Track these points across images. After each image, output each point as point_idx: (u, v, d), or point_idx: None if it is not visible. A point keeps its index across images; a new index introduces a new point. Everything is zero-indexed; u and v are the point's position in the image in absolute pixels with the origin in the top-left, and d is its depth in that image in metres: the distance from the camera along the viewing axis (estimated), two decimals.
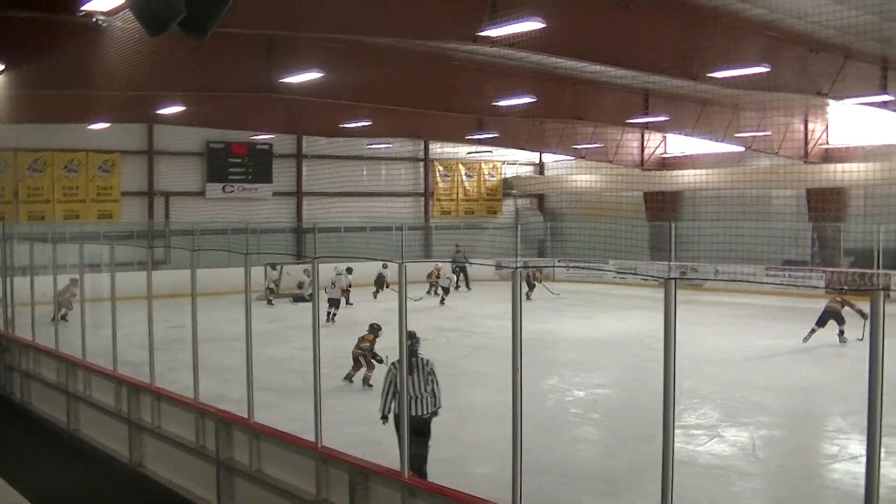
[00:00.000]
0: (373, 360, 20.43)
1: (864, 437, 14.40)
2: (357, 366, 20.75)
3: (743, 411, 18.54)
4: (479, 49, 28.12)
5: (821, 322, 27.29)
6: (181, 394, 15.52)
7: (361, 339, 20.83)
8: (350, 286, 35.77)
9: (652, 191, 51.17)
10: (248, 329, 13.46)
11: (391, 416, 12.95)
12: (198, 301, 14.62)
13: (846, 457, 15.08)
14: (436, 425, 13.26)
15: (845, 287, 36.16)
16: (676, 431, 16.04)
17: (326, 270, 33.31)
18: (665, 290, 7.96)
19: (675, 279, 7.86)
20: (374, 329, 20.79)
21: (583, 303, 39.61)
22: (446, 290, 39.58)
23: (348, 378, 20.76)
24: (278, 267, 40.18)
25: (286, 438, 12.77)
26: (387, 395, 13.07)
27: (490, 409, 17.22)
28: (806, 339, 26.98)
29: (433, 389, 13.07)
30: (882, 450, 14.71)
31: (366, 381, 20.57)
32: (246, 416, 13.39)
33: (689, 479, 13.62)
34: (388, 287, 39.24)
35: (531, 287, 40.80)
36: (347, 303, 35.46)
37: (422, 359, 13.06)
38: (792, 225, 44.02)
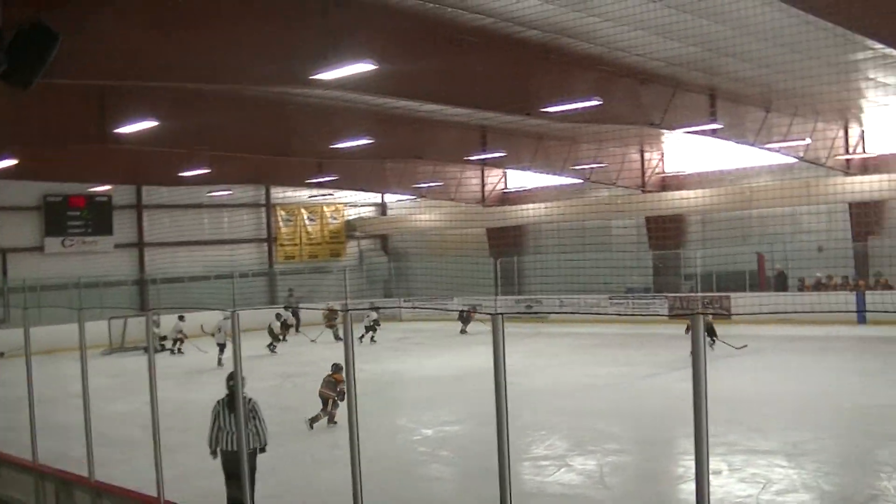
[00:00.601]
0: (337, 400, 20.40)
1: (704, 458, 14.70)
2: (325, 406, 20.68)
3: (590, 440, 18.67)
4: (313, 92, 28.08)
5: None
6: (19, 456, 15.09)
7: (329, 380, 20.79)
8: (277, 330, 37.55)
9: (495, 227, 51.67)
10: (84, 384, 13.18)
11: (219, 453, 13.17)
12: (42, 358, 14.32)
13: (691, 478, 15.24)
14: (286, 471, 13.13)
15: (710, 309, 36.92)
16: (525, 464, 16.22)
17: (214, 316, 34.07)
18: (493, 326, 8.03)
19: (501, 314, 7.92)
20: (340, 368, 20.75)
21: (429, 341, 39.66)
22: (372, 328, 39.25)
23: (313, 420, 20.52)
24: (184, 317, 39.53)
25: (128, 495, 12.52)
26: (211, 430, 13.26)
27: (340, 453, 17.09)
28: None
29: (255, 426, 13.16)
30: (726, 466, 15.10)
31: (331, 419, 20.64)
32: (87, 475, 13.08)
33: None
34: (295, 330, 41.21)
35: (466, 322, 41.41)
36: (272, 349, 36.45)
37: (244, 397, 12.90)
38: (633, 254, 44.87)
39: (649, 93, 28.88)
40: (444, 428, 20.89)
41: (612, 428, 19.92)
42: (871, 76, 29.85)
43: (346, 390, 20.09)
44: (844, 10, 18.26)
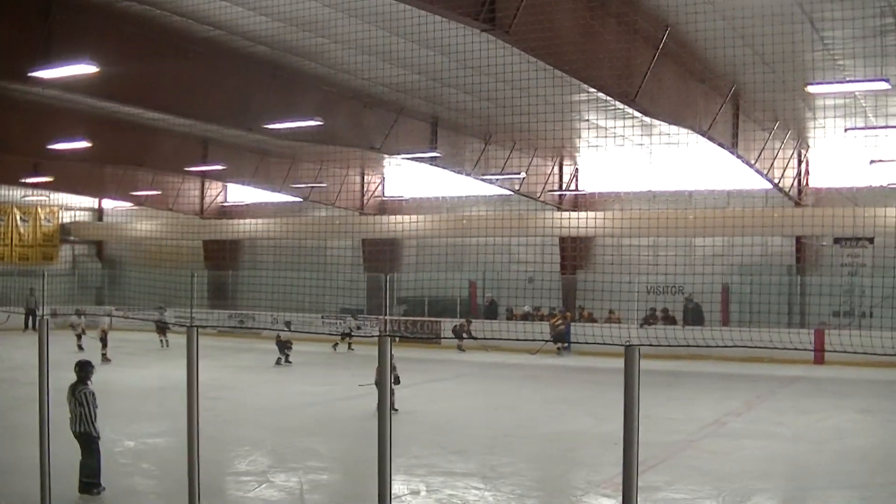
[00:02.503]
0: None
1: (406, 478, 15.06)
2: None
3: (293, 457, 18.78)
4: (32, 89, 27.28)
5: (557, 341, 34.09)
6: None
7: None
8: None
9: (212, 239, 51.33)
10: None
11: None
12: None
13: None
14: None
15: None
16: (227, 478, 16.27)
17: None
18: (187, 338, 8.12)
19: (196, 327, 8.03)
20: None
21: (139, 351, 38.97)
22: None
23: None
24: None
25: None
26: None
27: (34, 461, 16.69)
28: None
29: (80, 413, 14.69)
30: (424, 487, 15.46)
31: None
32: None
33: None
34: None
35: (460, 337, 39.18)
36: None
37: (82, 386, 14.89)
38: (349, 275, 45.27)
39: (372, 117, 29.38)
40: (146, 440, 20.62)
41: (315, 446, 20.07)
42: (587, 118, 31.13)
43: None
44: (557, 54, 19.10)
